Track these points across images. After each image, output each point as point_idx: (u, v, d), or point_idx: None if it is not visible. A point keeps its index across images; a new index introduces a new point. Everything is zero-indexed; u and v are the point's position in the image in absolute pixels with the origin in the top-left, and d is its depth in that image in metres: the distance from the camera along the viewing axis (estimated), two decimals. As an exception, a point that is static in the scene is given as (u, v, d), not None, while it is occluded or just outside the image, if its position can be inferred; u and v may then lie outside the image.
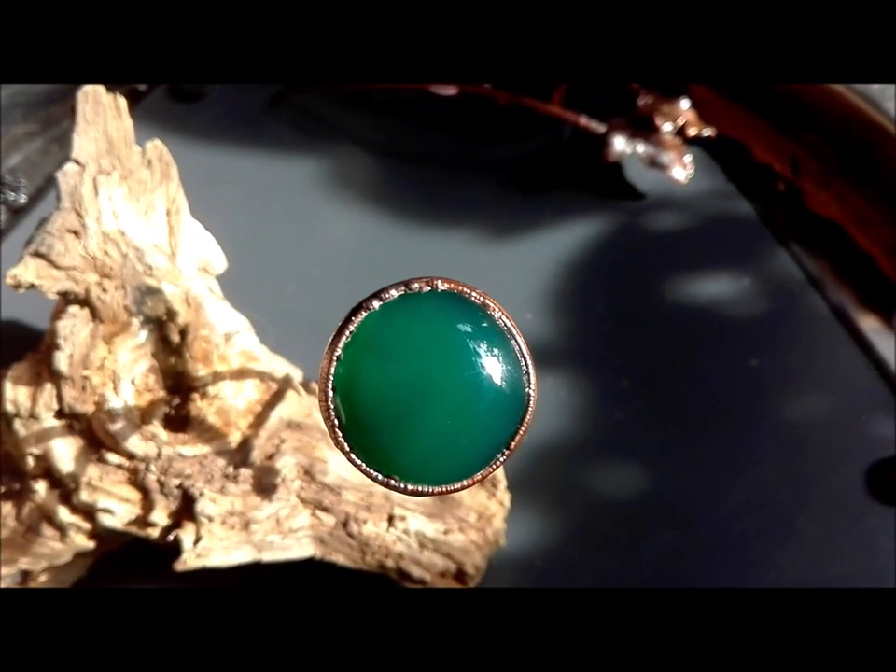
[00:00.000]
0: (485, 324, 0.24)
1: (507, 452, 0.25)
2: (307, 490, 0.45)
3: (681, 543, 0.52)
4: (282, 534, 0.44)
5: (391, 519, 0.46)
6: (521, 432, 0.25)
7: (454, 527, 0.47)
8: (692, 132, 0.65)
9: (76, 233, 0.43)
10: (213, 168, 0.63)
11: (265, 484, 0.44)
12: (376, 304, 0.24)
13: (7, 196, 0.58)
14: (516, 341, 0.25)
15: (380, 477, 0.24)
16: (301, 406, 0.46)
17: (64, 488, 0.44)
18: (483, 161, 0.67)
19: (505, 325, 0.24)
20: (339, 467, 0.46)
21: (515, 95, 0.64)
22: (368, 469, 0.24)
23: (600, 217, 0.64)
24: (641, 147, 0.63)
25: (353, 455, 0.24)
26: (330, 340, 0.24)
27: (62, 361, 0.43)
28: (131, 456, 0.43)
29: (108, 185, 0.44)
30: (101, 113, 0.44)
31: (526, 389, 0.25)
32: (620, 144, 0.63)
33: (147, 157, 0.47)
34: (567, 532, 0.52)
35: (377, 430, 0.24)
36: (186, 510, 0.43)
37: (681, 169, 0.63)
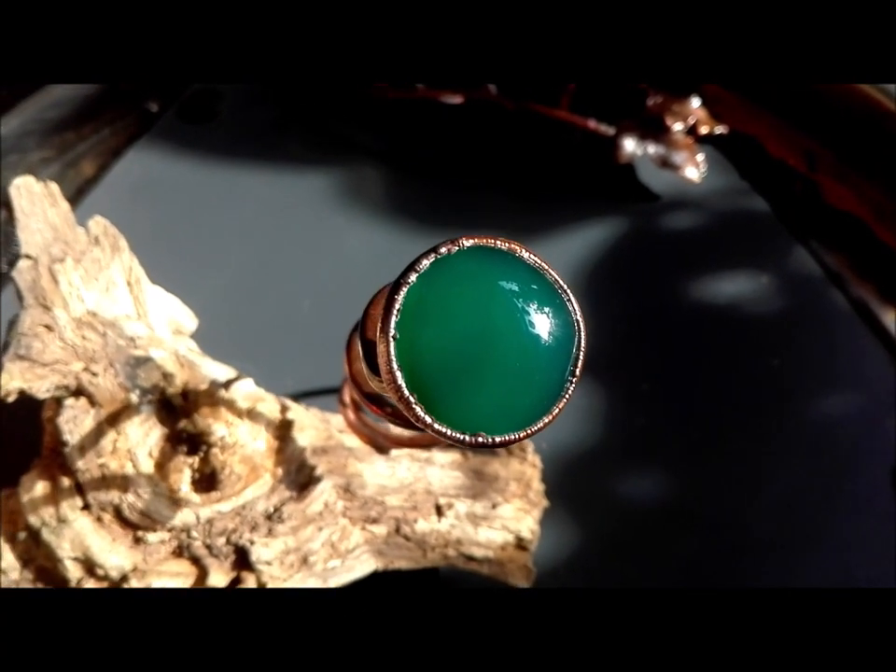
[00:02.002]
0: (519, 265, 0.25)
1: (573, 379, 0.26)
2: (351, 508, 0.45)
3: (707, 548, 0.52)
4: (341, 557, 0.44)
5: (439, 510, 0.46)
6: (581, 357, 0.26)
7: (498, 500, 0.47)
8: (703, 130, 0.63)
9: (48, 327, 0.42)
10: (226, 186, 0.63)
11: (310, 515, 0.44)
12: (413, 277, 0.24)
13: None
14: (550, 274, 0.25)
15: (467, 438, 0.24)
16: (319, 431, 0.46)
17: (111, 582, 0.43)
18: (494, 168, 0.65)
19: (535, 261, 0.25)
20: (375, 476, 0.46)
21: (522, 101, 0.63)
22: (454, 433, 0.24)
23: (614, 219, 0.63)
24: (652, 148, 0.62)
25: (437, 426, 0.24)
26: (380, 324, 0.24)
27: (75, 457, 0.41)
28: (170, 529, 0.42)
29: (65, 271, 0.43)
30: (37, 202, 0.43)
31: (573, 316, 0.26)
32: (630, 145, 0.62)
33: (92, 235, 0.46)
34: (590, 539, 0.52)
35: (449, 394, 0.24)
36: (241, 563, 0.43)
37: (694, 168, 0.62)
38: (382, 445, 0.43)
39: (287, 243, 0.61)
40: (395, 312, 0.24)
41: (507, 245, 0.25)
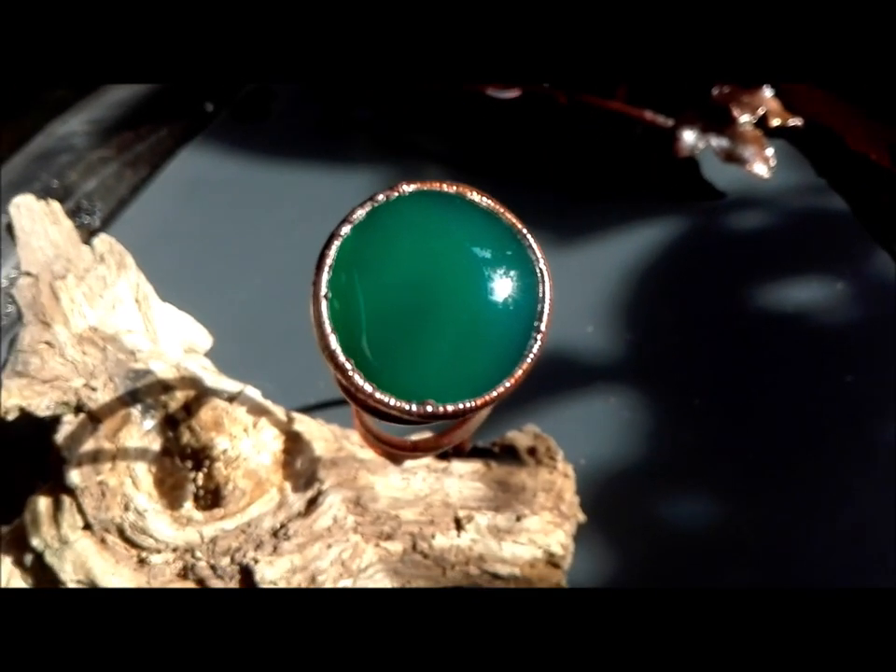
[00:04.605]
0: (469, 209, 0.22)
1: (539, 336, 0.22)
2: (363, 523, 0.42)
3: (757, 584, 0.46)
4: (352, 576, 0.41)
5: (458, 523, 0.43)
6: (546, 311, 0.23)
7: (524, 512, 0.44)
8: (775, 122, 0.59)
9: (49, 344, 0.41)
10: (276, 186, 0.62)
11: (317, 531, 0.41)
12: (346, 229, 0.22)
13: (83, 220, 0.58)
14: (506, 217, 0.23)
15: (414, 408, 0.22)
16: (328, 442, 0.44)
17: (116, 607, 0.41)
18: (547, 164, 0.62)
19: (488, 204, 0.23)
20: (388, 489, 0.43)
21: (576, 93, 0.59)
22: (398, 402, 0.21)
23: (673, 218, 0.59)
24: (716, 141, 0.58)
25: (378, 394, 0.21)
26: (312, 284, 0.22)
27: (73, 475, 0.40)
28: (174, 549, 0.41)
29: (66, 288, 0.43)
30: (37, 221, 0.43)
31: (536, 264, 0.23)
32: (690, 138, 0.58)
33: (97, 252, 0.45)
34: (630, 562, 0.47)
35: (391, 358, 0.21)
36: (247, 583, 0.40)
37: (763, 164, 0.57)
38: (396, 456, 0.41)
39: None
40: (326, 268, 0.22)
41: (454, 188, 0.23)
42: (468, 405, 0.22)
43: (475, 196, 0.23)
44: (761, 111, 0.58)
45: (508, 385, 0.22)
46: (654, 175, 0.61)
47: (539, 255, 0.23)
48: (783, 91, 0.59)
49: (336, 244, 0.22)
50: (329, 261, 0.22)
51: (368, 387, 0.22)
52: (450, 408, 0.22)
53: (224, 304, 0.56)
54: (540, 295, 0.23)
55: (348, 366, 0.22)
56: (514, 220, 0.23)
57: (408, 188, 0.22)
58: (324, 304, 0.22)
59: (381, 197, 0.22)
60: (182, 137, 0.64)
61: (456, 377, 0.22)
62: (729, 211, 0.59)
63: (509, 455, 0.47)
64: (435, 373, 0.22)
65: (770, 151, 0.58)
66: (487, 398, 0.22)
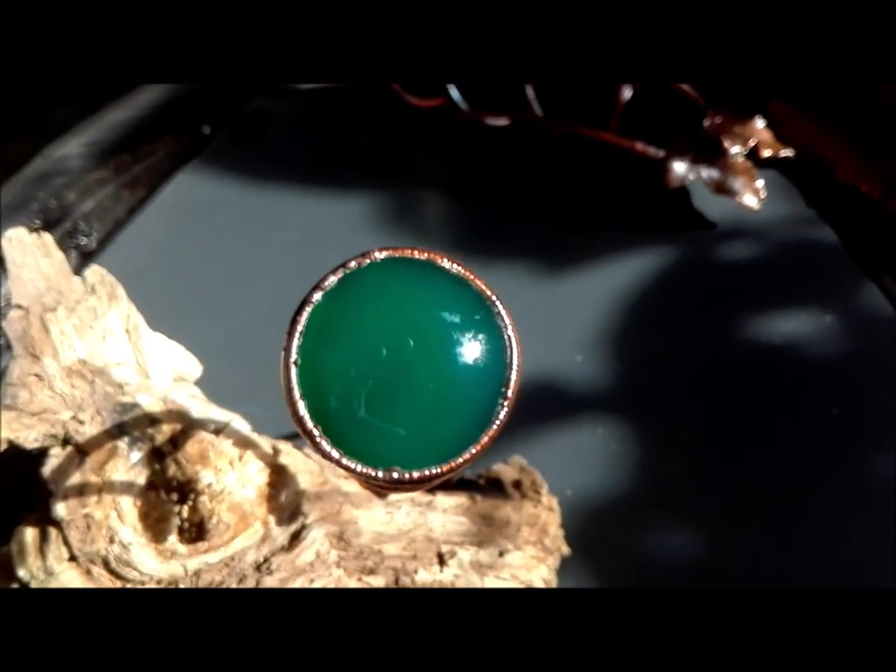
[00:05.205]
0: (439, 276, 0.23)
1: (505, 402, 0.23)
2: (346, 558, 0.42)
3: None
4: (335, 610, 0.41)
5: (441, 558, 0.43)
6: (514, 378, 0.23)
7: (508, 547, 0.44)
8: (766, 153, 0.59)
9: (38, 376, 0.42)
10: (270, 209, 0.62)
11: (300, 566, 0.41)
12: (318, 296, 0.22)
13: (80, 241, 0.59)
14: (476, 284, 0.23)
15: (380, 474, 0.22)
16: (314, 475, 0.44)
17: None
18: (540, 192, 0.63)
19: (458, 271, 0.23)
20: (371, 523, 0.43)
21: (569, 123, 0.60)
22: (364, 469, 0.22)
23: (663, 248, 0.59)
24: (706, 172, 0.58)
25: (345, 461, 0.22)
26: (283, 350, 0.22)
27: (59, 508, 0.41)
28: (158, 581, 0.41)
29: (56, 321, 0.43)
30: (29, 254, 0.44)
31: (504, 331, 0.23)
32: (681, 169, 0.58)
33: (88, 284, 0.46)
34: None
35: (357, 423, 0.22)
36: (228, 617, 0.41)
37: (753, 195, 0.57)
38: (379, 490, 0.41)
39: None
40: (297, 335, 0.22)
41: (425, 254, 0.23)
42: (433, 471, 0.22)
43: (445, 263, 0.23)
44: (752, 142, 0.58)
45: (474, 451, 0.22)
46: (645, 205, 0.61)
47: (507, 321, 0.23)
48: (775, 121, 0.59)
49: (307, 310, 0.22)
50: (299, 328, 0.22)
51: (335, 453, 0.22)
52: (416, 474, 0.22)
53: (217, 328, 0.57)
54: (508, 361, 0.23)
55: (316, 432, 0.22)
56: (484, 287, 0.23)
57: (379, 254, 0.23)
58: (293, 370, 0.22)
59: (353, 264, 0.22)
60: (179, 159, 0.65)
61: (423, 443, 0.22)
62: (719, 241, 0.59)
63: (494, 487, 0.47)
64: (402, 440, 0.22)
65: (760, 183, 0.58)
66: (453, 464, 0.22)
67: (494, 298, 0.23)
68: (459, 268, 0.23)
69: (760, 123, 0.59)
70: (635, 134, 0.59)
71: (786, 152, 0.59)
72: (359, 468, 0.22)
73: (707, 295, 0.57)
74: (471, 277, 0.23)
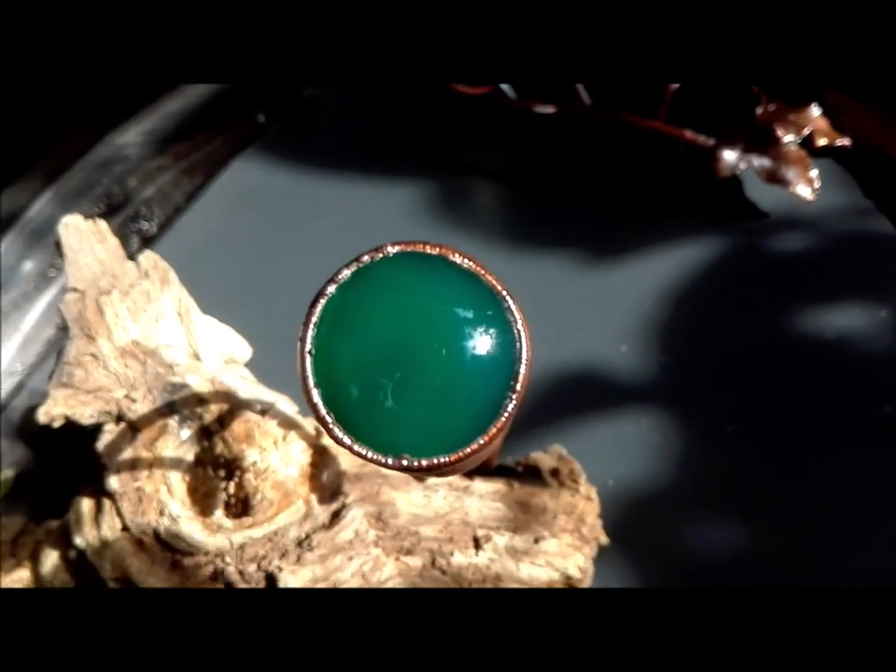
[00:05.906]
0: (450, 270, 0.23)
1: (513, 395, 0.23)
2: (384, 538, 0.43)
3: None
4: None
5: (477, 542, 0.44)
6: (523, 371, 0.23)
7: (543, 534, 0.44)
8: (821, 141, 0.57)
9: (94, 356, 0.44)
10: (325, 197, 0.64)
11: (339, 543, 0.43)
12: (332, 288, 0.23)
13: (141, 226, 0.61)
14: (486, 279, 0.23)
15: (390, 461, 0.23)
16: (353, 456, 0.45)
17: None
18: (587, 181, 0.62)
19: (469, 265, 0.23)
20: (409, 505, 0.44)
21: (617, 111, 0.59)
22: (375, 455, 0.23)
23: (713, 238, 0.57)
24: (758, 161, 0.56)
25: (357, 447, 0.23)
26: (299, 340, 0.23)
27: (112, 481, 0.43)
28: (205, 553, 0.43)
29: (111, 303, 0.45)
30: (85, 240, 0.46)
31: (514, 325, 0.23)
32: (731, 157, 0.56)
33: (142, 268, 0.48)
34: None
35: (369, 412, 0.22)
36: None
37: (807, 185, 0.55)
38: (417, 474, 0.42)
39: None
40: (311, 325, 0.23)
41: (437, 249, 0.23)
42: (442, 460, 0.23)
43: (457, 258, 0.23)
44: (807, 130, 0.56)
45: (482, 441, 0.23)
46: (695, 195, 0.59)
47: (517, 316, 0.23)
48: (831, 109, 0.57)
49: (322, 302, 0.23)
50: (314, 319, 0.23)
51: (346, 440, 0.23)
52: (424, 462, 0.23)
53: (268, 313, 0.58)
54: (517, 355, 0.23)
55: (329, 419, 0.23)
56: (495, 282, 0.23)
57: (392, 249, 0.23)
58: (308, 360, 0.23)
59: (366, 258, 0.23)
60: (236, 147, 0.67)
61: (433, 432, 0.23)
62: (771, 232, 0.57)
63: (532, 475, 0.48)
64: (412, 428, 0.23)
65: (815, 173, 0.55)
66: (461, 453, 0.23)
67: (504, 293, 0.23)
68: (471, 263, 0.23)
69: (815, 111, 0.57)
70: (685, 122, 0.58)
71: (843, 141, 0.57)
72: (370, 454, 0.23)
73: (757, 287, 0.55)
74: (482, 272, 0.23)
